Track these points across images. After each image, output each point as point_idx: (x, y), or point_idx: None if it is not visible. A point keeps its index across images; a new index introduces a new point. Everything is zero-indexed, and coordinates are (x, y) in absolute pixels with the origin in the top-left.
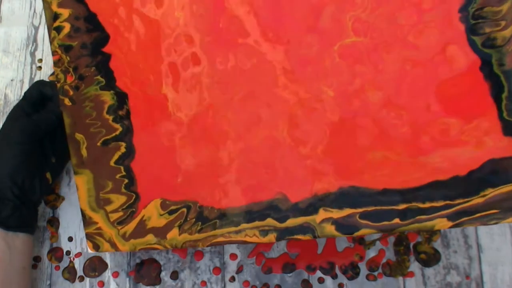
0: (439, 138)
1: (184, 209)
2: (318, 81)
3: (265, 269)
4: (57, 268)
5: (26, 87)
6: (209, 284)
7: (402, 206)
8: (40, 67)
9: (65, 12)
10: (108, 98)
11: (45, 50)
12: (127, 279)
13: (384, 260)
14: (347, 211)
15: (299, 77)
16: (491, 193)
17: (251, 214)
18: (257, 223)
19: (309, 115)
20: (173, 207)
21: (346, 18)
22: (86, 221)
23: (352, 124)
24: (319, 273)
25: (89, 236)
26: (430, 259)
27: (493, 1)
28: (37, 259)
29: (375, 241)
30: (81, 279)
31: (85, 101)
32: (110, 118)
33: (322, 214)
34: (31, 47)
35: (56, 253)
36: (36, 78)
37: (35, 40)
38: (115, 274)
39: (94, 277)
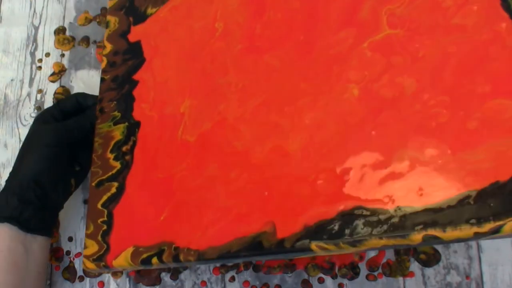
0: (486, 125)
1: (155, 259)
2: (343, 80)
3: (265, 269)
4: (57, 268)
5: (26, 87)
6: (209, 284)
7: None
8: (40, 67)
9: (107, 47)
10: (118, 133)
11: (45, 50)
12: (127, 279)
13: (384, 260)
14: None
15: (323, 78)
16: None
17: (231, 255)
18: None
19: (327, 118)
20: (144, 256)
21: (382, 12)
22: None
23: (380, 121)
24: (319, 273)
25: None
26: (430, 259)
27: None
28: None
29: None
30: (81, 279)
31: (97, 137)
32: (112, 156)
33: (313, 248)
34: (31, 47)
35: (56, 253)
36: (36, 78)
37: (35, 40)
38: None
39: (94, 277)
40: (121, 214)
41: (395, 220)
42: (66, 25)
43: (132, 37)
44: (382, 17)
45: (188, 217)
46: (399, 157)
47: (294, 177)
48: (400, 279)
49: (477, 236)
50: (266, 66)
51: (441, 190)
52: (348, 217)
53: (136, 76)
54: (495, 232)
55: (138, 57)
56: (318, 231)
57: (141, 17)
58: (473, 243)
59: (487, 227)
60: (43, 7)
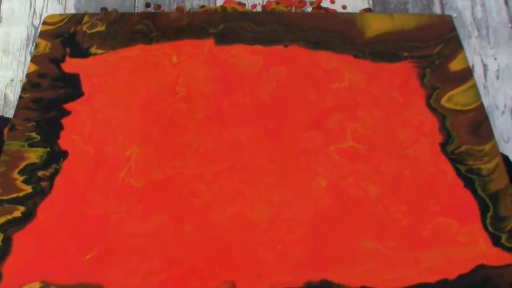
0: (437, 234)
1: None
2: (311, 171)
3: None
4: None
5: None
6: None
7: None
8: None
9: (31, 67)
10: (33, 156)
11: None
12: None
13: None
14: None
15: (291, 164)
16: None
17: None
18: None
19: (295, 198)
20: None
21: (347, 127)
22: None
23: (346, 211)
24: None
25: None
26: None
27: (472, 141)
28: None
29: None
30: None
31: (3, 154)
32: (21, 178)
33: None
34: (31, 47)
35: None
36: None
37: (35, 40)
38: None
39: None
40: (25, 243)
41: None
42: None
43: (67, 68)
44: (347, 131)
45: (125, 261)
46: (364, 245)
47: (259, 243)
48: None
49: None
50: (232, 139)
51: (401, 279)
52: None
53: (68, 106)
54: None
55: (74, 88)
56: None
57: (81, 53)
58: None
59: None
60: (43, 7)
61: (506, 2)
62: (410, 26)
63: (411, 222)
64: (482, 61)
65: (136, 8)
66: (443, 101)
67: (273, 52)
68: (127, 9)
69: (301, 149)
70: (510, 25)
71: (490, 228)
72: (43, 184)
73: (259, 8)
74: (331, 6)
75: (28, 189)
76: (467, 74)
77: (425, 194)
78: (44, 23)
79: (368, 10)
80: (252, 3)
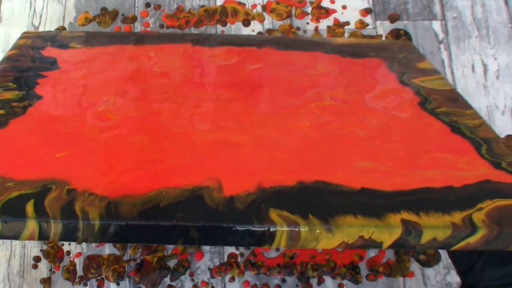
0: (437, 162)
1: (31, 204)
2: (294, 118)
3: (265, 269)
4: (57, 268)
5: None
6: (209, 284)
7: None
8: None
9: (11, 51)
10: (9, 95)
11: None
12: (127, 279)
13: (384, 260)
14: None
15: (273, 115)
16: (488, 206)
17: (160, 216)
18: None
19: (281, 135)
20: (13, 195)
21: (326, 94)
22: None
23: (335, 144)
24: (319, 273)
25: None
26: (430, 259)
27: (451, 105)
28: (37, 259)
29: None
30: (81, 279)
31: None
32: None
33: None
34: None
35: (56, 253)
36: None
37: None
38: None
39: (94, 277)
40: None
41: (363, 199)
42: (66, 25)
43: (46, 53)
44: (326, 96)
45: (98, 160)
46: (360, 165)
47: (245, 156)
48: (400, 279)
49: (454, 226)
50: (216, 98)
51: (405, 183)
52: (311, 189)
53: (45, 73)
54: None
55: (52, 64)
56: (276, 197)
57: (61, 45)
58: None
59: (458, 217)
60: (43, 7)
61: (506, 2)
62: (376, 42)
63: (407, 154)
64: (482, 61)
65: (136, 8)
66: (415, 81)
67: (247, 52)
68: (127, 9)
69: (282, 106)
70: (510, 25)
71: (488, 157)
72: (17, 110)
73: (259, 8)
74: (331, 6)
75: (1, 112)
76: (434, 71)
77: (416, 137)
78: (21, 37)
79: (368, 10)
80: (252, 3)
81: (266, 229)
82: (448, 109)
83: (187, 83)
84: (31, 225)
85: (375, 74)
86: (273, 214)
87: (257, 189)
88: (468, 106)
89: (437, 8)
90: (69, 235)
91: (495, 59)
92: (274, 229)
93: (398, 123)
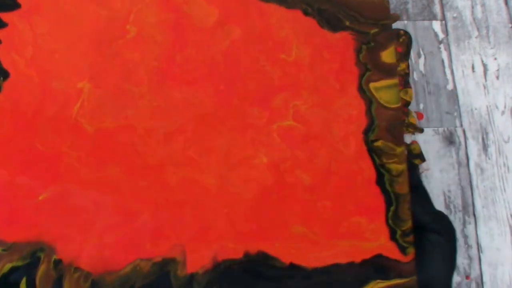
0: (351, 231)
1: (23, 283)
2: (255, 149)
3: None
4: None
5: None
6: None
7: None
8: None
9: None
10: None
11: None
12: None
13: None
14: None
15: (238, 137)
16: (375, 285)
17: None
18: None
19: (241, 173)
20: (6, 267)
21: (290, 105)
22: None
23: (283, 195)
24: None
25: None
26: None
27: (388, 137)
28: None
29: None
30: None
31: None
32: None
33: None
34: None
35: None
36: None
37: None
38: None
39: None
40: None
41: (288, 280)
42: None
43: None
44: (289, 109)
45: (76, 215)
46: (295, 229)
47: (208, 207)
48: None
49: None
50: (184, 99)
51: (320, 259)
52: (254, 261)
53: (4, 16)
54: None
55: (11, 0)
56: (227, 277)
57: None
58: (473, 243)
59: None
60: None
61: (506, 2)
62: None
63: (332, 218)
64: (482, 61)
65: None
66: (371, 87)
67: (228, 3)
68: None
69: (248, 124)
70: (510, 25)
71: (390, 222)
72: None
73: None
74: None
75: None
76: (393, 69)
77: (346, 192)
78: None
79: None
80: None
81: None
82: (384, 143)
83: (159, 64)
84: None
85: (341, 71)
86: None
87: (212, 264)
88: (400, 140)
89: (437, 8)
90: None
91: (495, 59)
92: None
93: (338, 166)
